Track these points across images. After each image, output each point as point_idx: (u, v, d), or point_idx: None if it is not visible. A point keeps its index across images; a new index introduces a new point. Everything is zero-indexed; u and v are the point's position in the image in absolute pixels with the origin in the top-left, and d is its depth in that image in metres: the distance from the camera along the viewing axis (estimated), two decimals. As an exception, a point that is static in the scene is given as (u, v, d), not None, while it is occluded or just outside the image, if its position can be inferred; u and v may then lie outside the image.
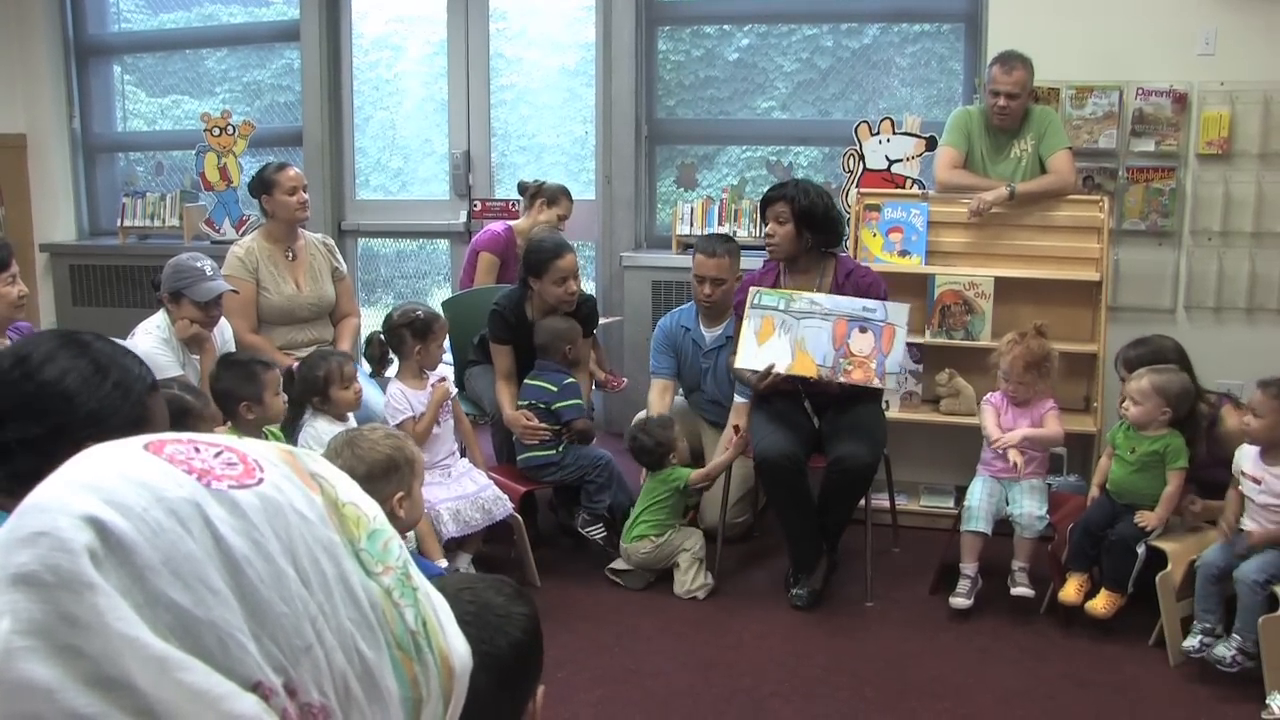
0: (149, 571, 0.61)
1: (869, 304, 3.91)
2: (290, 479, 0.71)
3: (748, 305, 4.03)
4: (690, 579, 4.02)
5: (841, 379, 3.88)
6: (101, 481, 0.64)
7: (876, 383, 3.87)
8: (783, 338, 3.94)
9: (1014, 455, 3.84)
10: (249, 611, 0.64)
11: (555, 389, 4.21)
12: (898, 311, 3.88)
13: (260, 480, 0.69)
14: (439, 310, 4.25)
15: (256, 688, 0.63)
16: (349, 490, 0.74)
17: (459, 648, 0.77)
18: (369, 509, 0.75)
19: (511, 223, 5.37)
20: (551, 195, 5.31)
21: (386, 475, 2.67)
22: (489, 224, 5.50)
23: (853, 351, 3.87)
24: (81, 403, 1.44)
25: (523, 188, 5.46)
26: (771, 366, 3.92)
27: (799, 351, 3.92)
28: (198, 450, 0.70)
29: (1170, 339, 4.00)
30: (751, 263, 4.58)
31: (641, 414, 4.81)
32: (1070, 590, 3.67)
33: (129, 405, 1.47)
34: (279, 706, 0.64)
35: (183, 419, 3.06)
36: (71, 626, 0.59)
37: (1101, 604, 3.61)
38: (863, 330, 3.88)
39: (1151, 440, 3.69)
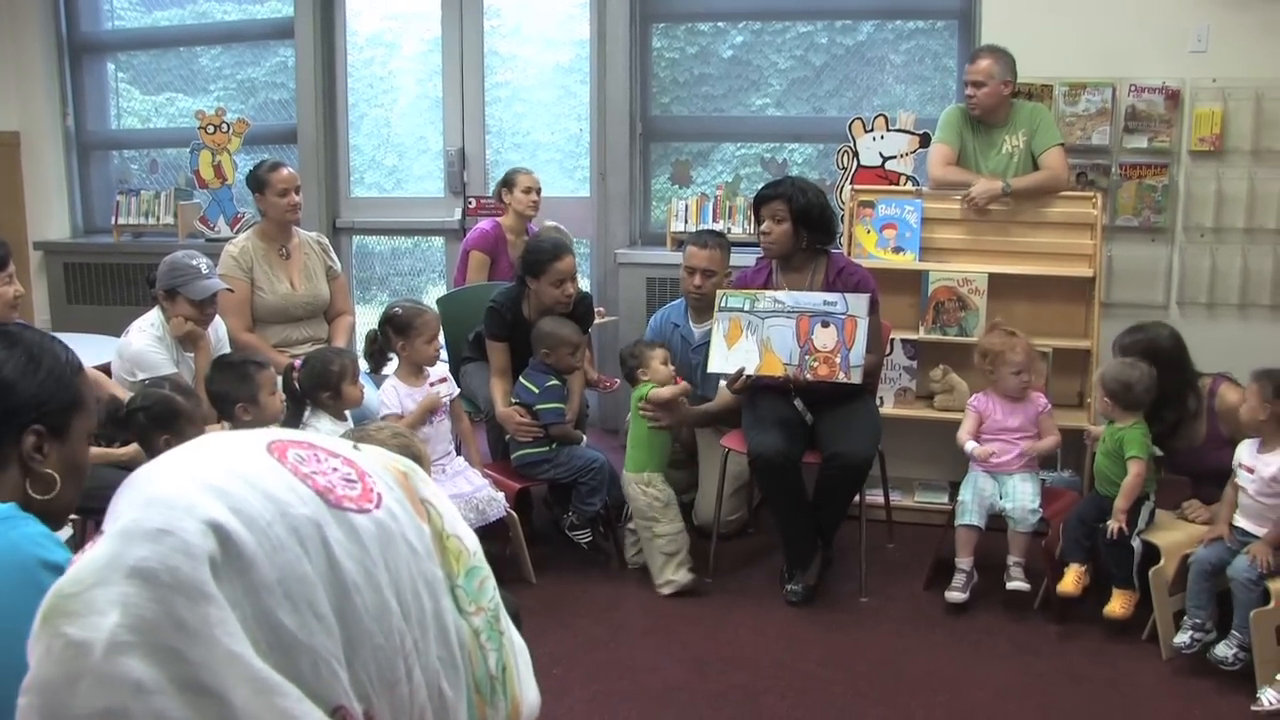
0: (263, 589, 0.63)
1: (829, 298, 3.92)
2: (403, 504, 0.72)
3: (715, 308, 4.05)
4: (660, 571, 4.01)
5: (809, 376, 3.91)
6: (230, 487, 0.65)
7: (842, 377, 3.87)
8: (750, 339, 3.97)
9: (982, 451, 3.90)
10: (347, 639, 0.65)
11: (537, 390, 4.20)
12: (857, 303, 3.89)
13: (378, 505, 0.70)
14: (432, 307, 4.24)
15: (336, 711, 0.64)
16: (453, 521, 0.76)
17: (530, 697, 0.80)
18: (470, 543, 0.76)
19: (500, 219, 5.39)
20: (507, 180, 5.37)
21: None
22: (480, 222, 5.52)
23: (817, 347, 3.89)
24: (22, 389, 1.50)
25: (495, 193, 5.53)
26: (742, 370, 3.95)
27: (766, 352, 3.95)
28: (319, 459, 0.71)
29: (1166, 326, 3.98)
30: (744, 259, 4.59)
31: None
32: (1069, 582, 3.66)
33: (63, 390, 1.54)
34: None
35: (173, 420, 3.07)
36: (178, 630, 0.60)
37: (1119, 606, 3.59)
38: (824, 325, 3.89)
39: (1116, 429, 3.73)
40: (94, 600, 0.61)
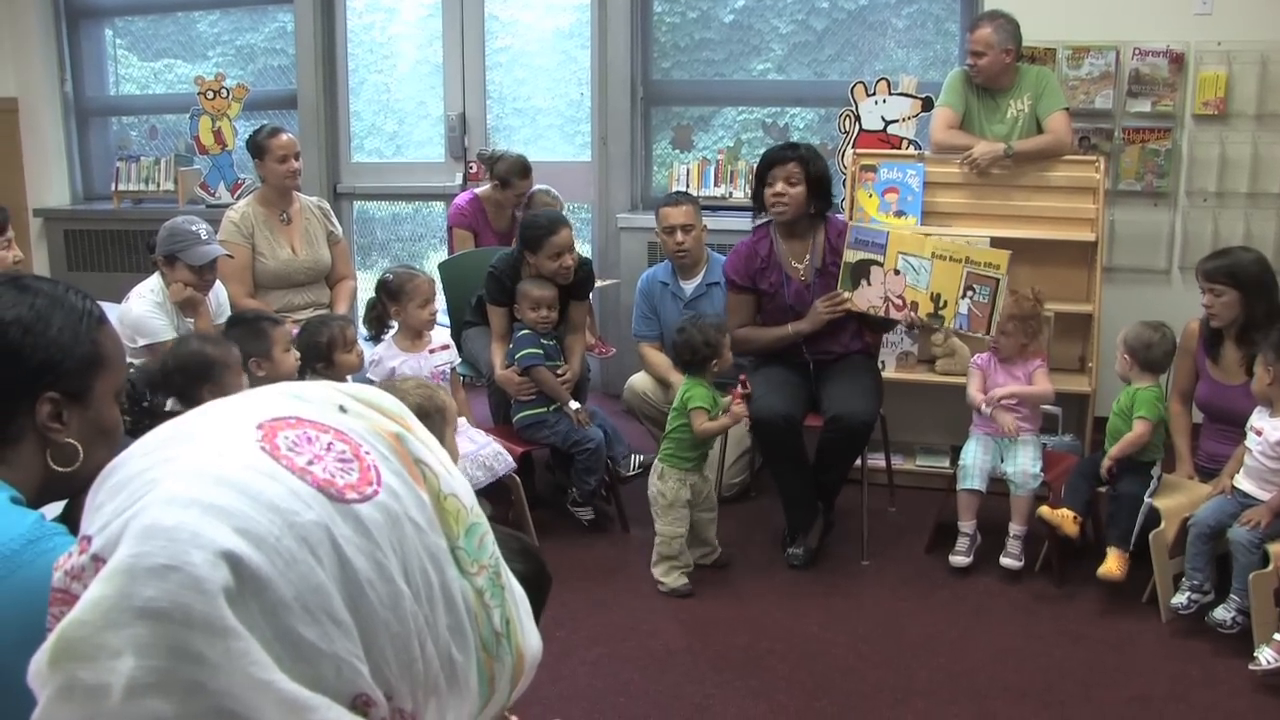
0: (281, 608, 0.61)
1: None
2: (400, 475, 0.70)
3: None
4: (655, 564, 3.82)
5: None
6: (230, 504, 0.63)
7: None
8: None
9: (1005, 419, 3.87)
10: (364, 634, 0.65)
11: (512, 345, 4.22)
12: None
13: (378, 488, 0.68)
14: (427, 272, 4.24)
15: (357, 699, 0.64)
16: (449, 479, 0.74)
17: (533, 643, 0.80)
18: (467, 499, 0.75)
19: (477, 190, 5.37)
20: (502, 178, 5.18)
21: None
22: (456, 197, 5.49)
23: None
24: (31, 353, 1.33)
25: (482, 155, 5.48)
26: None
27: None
28: (310, 440, 0.68)
29: (1252, 251, 3.87)
30: (737, 223, 4.58)
31: (636, 377, 4.80)
32: (1061, 515, 3.67)
33: (79, 348, 1.38)
34: (378, 717, 0.66)
35: (209, 370, 3.03)
36: (197, 665, 0.59)
37: (1115, 565, 3.58)
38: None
39: (1133, 390, 3.75)
40: (105, 643, 0.59)
